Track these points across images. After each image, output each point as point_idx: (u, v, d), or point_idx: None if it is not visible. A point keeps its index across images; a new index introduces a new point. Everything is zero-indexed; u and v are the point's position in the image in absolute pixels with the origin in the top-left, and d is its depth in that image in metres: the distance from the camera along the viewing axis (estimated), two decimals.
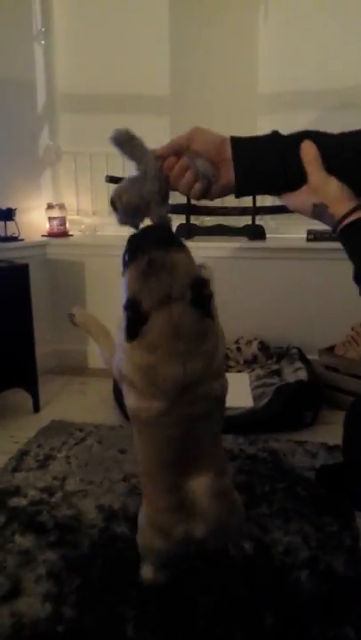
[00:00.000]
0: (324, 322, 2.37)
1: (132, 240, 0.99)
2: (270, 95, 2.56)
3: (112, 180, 2.58)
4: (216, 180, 0.90)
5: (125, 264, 0.99)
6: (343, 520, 1.42)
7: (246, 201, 2.41)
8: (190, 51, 2.62)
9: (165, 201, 0.95)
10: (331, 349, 2.22)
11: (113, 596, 1.20)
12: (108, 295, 2.61)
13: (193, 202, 2.13)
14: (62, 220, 2.70)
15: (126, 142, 0.92)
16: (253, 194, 0.93)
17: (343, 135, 0.93)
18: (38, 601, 1.19)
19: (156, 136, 2.88)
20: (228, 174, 0.90)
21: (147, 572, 1.19)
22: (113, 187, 2.91)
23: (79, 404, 2.25)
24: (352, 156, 0.90)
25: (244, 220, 2.50)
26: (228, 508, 1.08)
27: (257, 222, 2.51)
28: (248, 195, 0.95)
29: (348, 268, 2.64)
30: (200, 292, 0.93)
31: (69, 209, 2.77)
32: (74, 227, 2.76)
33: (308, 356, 2.27)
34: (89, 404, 2.23)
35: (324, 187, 0.87)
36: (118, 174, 2.65)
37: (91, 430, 1.97)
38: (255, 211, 2.46)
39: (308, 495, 1.53)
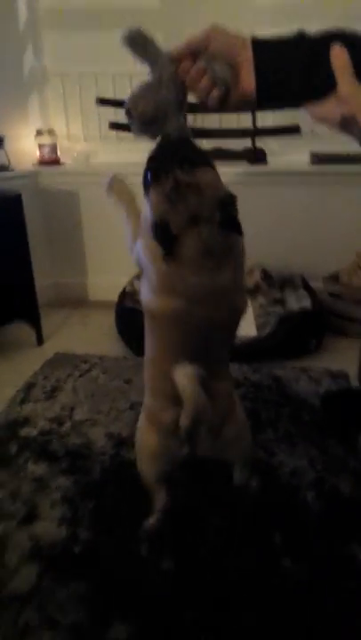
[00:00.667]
0: (328, 248, 2.33)
1: (153, 158, 0.94)
2: (268, 6, 2.37)
3: (103, 102, 2.44)
4: (235, 85, 0.83)
5: (147, 185, 0.94)
6: (348, 443, 1.45)
7: (245, 122, 2.29)
8: None
9: (183, 108, 0.88)
10: (335, 276, 2.19)
11: (126, 518, 1.24)
12: (104, 224, 2.55)
13: (195, 120, 2.03)
14: (53, 147, 2.57)
15: (140, 43, 0.86)
16: (275, 105, 0.85)
17: None
18: (54, 524, 1.23)
19: None
20: (249, 80, 0.83)
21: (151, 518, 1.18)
22: (105, 110, 2.77)
23: (82, 336, 2.25)
24: None
25: (244, 143, 2.39)
26: (221, 410, 1.06)
27: (257, 145, 2.40)
28: (269, 107, 0.88)
29: (352, 191, 2.56)
30: (228, 213, 0.90)
31: (60, 135, 2.63)
32: (65, 154, 2.64)
33: (312, 283, 2.24)
34: (92, 337, 2.23)
35: (355, 96, 0.81)
36: (109, 95, 2.50)
37: (95, 362, 1.97)
38: (255, 132, 2.34)
39: (313, 420, 1.56)
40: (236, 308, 1.05)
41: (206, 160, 0.92)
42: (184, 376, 0.94)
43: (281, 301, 2.19)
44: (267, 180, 2.34)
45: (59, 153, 2.60)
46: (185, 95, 0.87)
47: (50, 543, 1.18)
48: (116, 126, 2.46)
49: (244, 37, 0.83)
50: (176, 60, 0.85)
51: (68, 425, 1.60)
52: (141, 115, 0.87)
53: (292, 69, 0.83)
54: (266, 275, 2.33)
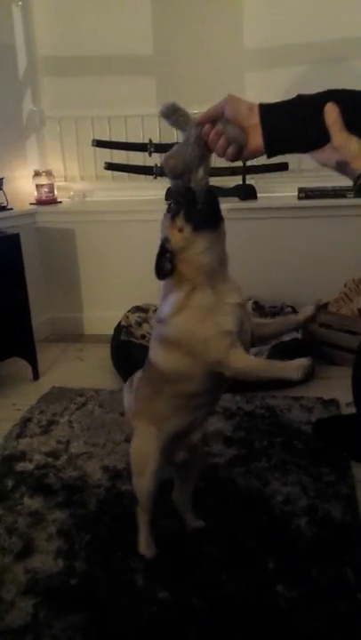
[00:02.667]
0: (317, 280, 2.38)
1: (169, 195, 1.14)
2: (257, 50, 2.50)
3: (99, 144, 2.54)
4: (245, 143, 0.98)
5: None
6: (340, 470, 1.47)
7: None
8: (172, 7, 2.53)
9: (203, 164, 1.04)
10: (324, 306, 2.24)
11: (122, 549, 1.25)
12: (99, 260, 2.62)
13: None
14: (50, 187, 2.66)
15: (172, 114, 1.03)
16: (282, 154, 1.00)
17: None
18: (51, 557, 1.24)
19: (142, 96, 2.82)
20: (257, 139, 0.97)
21: (143, 543, 1.23)
22: (100, 151, 2.87)
23: (78, 370, 2.28)
24: None
25: (235, 181, 2.48)
26: None
27: (248, 182, 2.49)
28: (278, 154, 1.01)
29: (339, 224, 2.63)
30: (161, 251, 1.06)
31: (57, 175, 2.73)
32: (62, 193, 2.73)
33: None
34: (87, 370, 2.26)
35: (345, 146, 0.93)
36: (105, 137, 2.61)
37: (91, 395, 2.00)
38: (245, 170, 2.44)
39: (306, 448, 1.59)
40: None
41: (177, 210, 1.05)
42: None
43: None
44: (257, 214, 2.42)
45: (56, 192, 2.69)
46: (207, 153, 1.04)
47: (46, 576, 1.19)
48: (111, 166, 2.55)
49: (252, 104, 0.98)
50: (200, 124, 1.01)
51: (64, 458, 1.62)
52: (171, 169, 1.04)
53: (293, 128, 0.97)
54: (258, 306, 2.38)
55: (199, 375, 1.06)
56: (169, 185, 2.48)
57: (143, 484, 1.17)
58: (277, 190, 2.60)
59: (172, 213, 1.04)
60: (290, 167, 2.45)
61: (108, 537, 1.30)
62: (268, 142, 0.96)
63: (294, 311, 2.28)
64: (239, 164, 2.38)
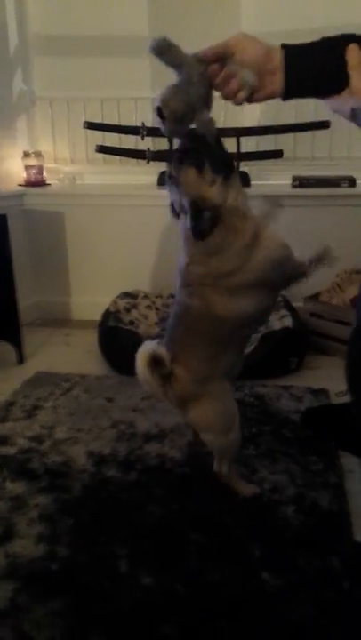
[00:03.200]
0: None
1: (175, 151, 1.08)
2: (255, 33, 2.45)
3: (91, 126, 2.49)
4: (258, 88, 0.93)
5: None
6: (328, 459, 1.46)
7: (230, 147, 2.35)
8: None
9: (209, 105, 0.96)
10: (316, 296, 2.22)
11: (106, 535, 1.22)
12: (88, 245, 2.58)
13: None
14: (40, 169, 2.61)
15: (166, 50, 0.94)
16: (299, 97, 0.98)
17: None
18: (32, 542, 1.21)
19: (135, 78, 2.76)
20: (273, 84, 0.94)
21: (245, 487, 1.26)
22: (92, 133, 2.81)
23: (64, 355, 2.24)
24: None
25: None
26: None
27: (241, 169, 2.46)
28: (294, 98, 0.97)
29: (332, 213, 2.60)
30: (197, 211, 1.00)
31: (47, 157, 2.67)
32: (52, 175, 2.67)
33: (294, 304, 2.27)
34: (74, 356, 2.22)
35: None
36: (97, 120, 2.56)
37: (77, 380, 1.96)
38: (239, 156, 2.40)
39: (294, 437, 1.57)
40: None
41: (196, 160, 0.98)
42: None
43: None
44: (250, 202, 2.39)
45: (45, 174, 2.63)
46: (211, 92, 0.96)
47: (27, 561, 1.16)
48: (103, 149, 2.50)
49: (269, 46, 0.95)
50: (203, 61, 0.94)
51: (48, 443, 1.58)
52: (172, 113, 0.93)
53: (315, 71, 0.94)
54: None
55: (268, 301, 1.13)
56: (162, 170, 2.46)
57: (234, 436, 1.18)
58: (271, 178, 2.57)
59: (197, 167, 0.97)
60: (284, 155, 2.42)
61: (92, 522, 1.27)
62: (291, 86, 0.93)
63: (286, 300, 2.26)
64: (233, 148, 2.35)
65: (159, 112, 0.94)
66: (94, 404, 1.81)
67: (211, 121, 0.96)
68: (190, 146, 0.98)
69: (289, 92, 0.95)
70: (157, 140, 2.46)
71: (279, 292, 1.18)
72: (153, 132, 2.45)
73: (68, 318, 2.62)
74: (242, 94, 0.93)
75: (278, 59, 0.93)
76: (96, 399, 1.84)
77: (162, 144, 2.44)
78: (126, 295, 2.38)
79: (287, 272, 1.14)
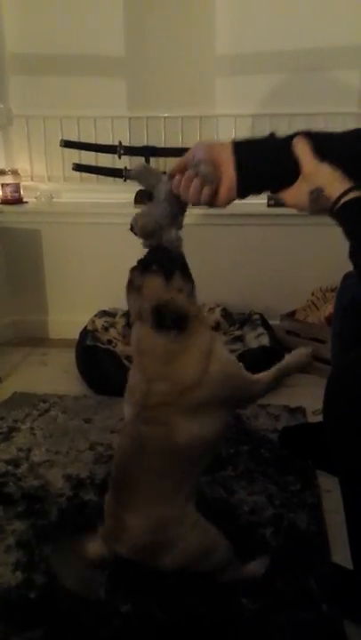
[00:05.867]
0: (285, 287, 2.40)
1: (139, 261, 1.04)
2: (228, 57, 2.51)
3: (67, 144, 2.50)
4: (219, 181, 0.94)
5: None
6: (305, 479, 1.47)
7: None
8: (145, 9, 2.51)
9: (176, 222, 1.00)
10: (292, 314, 2.26)
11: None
12: (66, 263, 2.57)
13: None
14: (16, 187, 2.60)
15: (141, 174, 1.02)
16: (254, 193, 0.98)
17: (333, 134, 1.00)
18: (9, 570, 1.20)
19: (112, 97, 2.78)
20: (231, 174, 0.94)
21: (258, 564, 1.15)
22: (69, 151, 2.81)
23: (41, 375, 2.22)
24: (343, 148, 0.97)
25: None
26: None
27: None
28: (250, 194, 0.98)
29: (308, 233, 2.65)
30: (161, 317, 0.95)
31: (23, 175, 2.67)
32: (28, 193, 2.66)
33: (271, 322, 2.30)
34: (51, 375, 2.20)
35: (317, 171, 0.92)
36: (74, 138, 2.57)
37: (55, 401, 1.95)
38: None
39: (272, 456, 1.58)
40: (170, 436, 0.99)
41: (161, 269, 0.97)
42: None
43: (241, 338, 2.23)
44: (227, 221, 2.42)
45: (22, 192, 2.62)
46: (180, 210, 1.00)
47: (3, 590, 1.15)
48: (80, 167, 2.51)
49: (220, 143, 0.96)
50: (171, 178, 0.98)
51: (24, 467, 1.56)
52: (140, 229, 0.99)
53: (265, 162, 0.95)
54: (226, 313, 2.38)
55: (225, 422, 1.07)
56: (139, 188, 2.48)
57: (219, 557, 1.06)
58: (247, 197, 2.60)
59: (166, 274, 0.96)
60: None
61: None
62: (241, 178, 0.94)
63: (263, 319, 2.29)
64: None
65: (131, 228, 1.00)
66: (72, 425, 1.80)
67: (177, 239, 1.00)
68: (154, 257, 0.99)
69: (241, 187, 0.94)
70: (134, 158, 2.48)
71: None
72: (130, 150, 2.47)
73: (45, 337, 2.60)
74: (206, 190, 0.93)
75: (230, 150, 0.95)
76: (74, 420, 1.82)
77: (139, 163, 2.46)
78: (104, 313, 2.38)
79: (241, 389, 1.07)
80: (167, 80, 2.54)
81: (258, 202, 2.50)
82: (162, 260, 0.98)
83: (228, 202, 0.97)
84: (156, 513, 1.00)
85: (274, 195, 1.02)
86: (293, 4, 2.40)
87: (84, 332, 2.22)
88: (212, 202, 0.96)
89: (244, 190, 0.96)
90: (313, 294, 2.27)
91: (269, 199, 2.43)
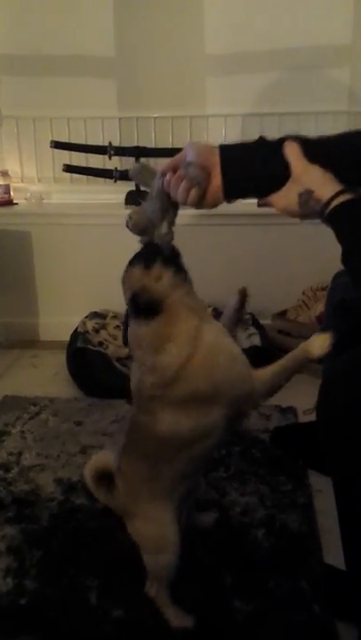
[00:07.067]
0: (276, 287, 2.39)
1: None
2: (218, 56, 2.50)
3: (58, 145, 2.48)
4: (207, 183, 0.93)
5: None
6: (297, 479, 1.47)
7: None
8: (134, 9, 2.50)
9: (167, 218, 1.00)
10: (283, 314, 2.25)
11: (75, 566, 1.21)
12: (56, 264, 2.55)
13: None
14: (6, 188, 2.58)
15: (139, 173, 1.04)
16: (241, 197, 0.98)
17: (321, 138, 0.98)
18: None
19: (102, 98, 2.77)
20: (218, 177, 0.94)
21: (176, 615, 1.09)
22: (59, 152, 2.79)
23: (32, 378, 2.20)
24: (334, 152, 0.95)
25: None
26: None
27: None
28: (236, 198, 0.97)
29: (298, 233, 2.65)
30: (136, 305, 0.96)
31: (13, 176, 2.65)
32: (18, 195, 2.64)
33: (262, 321, 2.30)
34: (42, 378, 2.19)
35: (307, 172, 0.91)
36: (64, 139, 2.55)
37: (45, 404, 1.93)
38: None
39: (264, 456, 1.58)
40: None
41: (145, 259, 0.99)
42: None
43: (233, 338, 2.22)
44: (216, 221, 2.41)
45: (12, 194, 2.61)
46: (172, 206, 1.00)
47: None
48: (70, 169, 2.50)
49: (212, 146, 0.96)
50: (163, 175, 0.97)
51: (15, 471, 1.55)
52: (134, 225, 1.00)
53: (252, 166, 0.94)
54: (217, 313, 2.36)
55: (221, 423, 0.97)
56: (129, 189, 2.47)
57: (165, 560, 1.04)
58: None
59: (146, 263, 0.97)
60: None
61: (61, 553, 1.25)
62: (228, 181, 0.93)
63: (253, 318, 2.29)
64: None
65: (126, 224, 1.02)
66: (63, 428, 1.78)
67: (168, 233, 1.01)
68: (141, 251, 1.01)
69: (228, 191, 0.94)
70: (125, 159, 2.47)
71: (235, 412, 1.01)
72: (120, 151, 2.46)
73: (36, 339, 2.58)
74: (193, 192, 0.93)
75: (218, 154, 0.95)
76: (65, 423, 1.81)
77: (129, 163, 2.45)
78: (95, 315, 2.37)
79: (234, 385, 0.98)
80: (157, 80, 2.53)
81: (249, 201, 2.50)
82: (146, 253, 0.99)
83: (215, 205, 0.97)
84: (136, 487, 1.04)
85: (261, 200, 0.99)
86: (283, 3, 2.39)
87: (75, 334, 2.20)
88: (199, 204, 0.96)
89: (229, 195, 0.95)
90: (304, 293, 2.27)
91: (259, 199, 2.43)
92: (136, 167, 1.08)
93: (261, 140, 0.97)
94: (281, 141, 0.95)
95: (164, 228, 1.00)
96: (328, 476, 1.35)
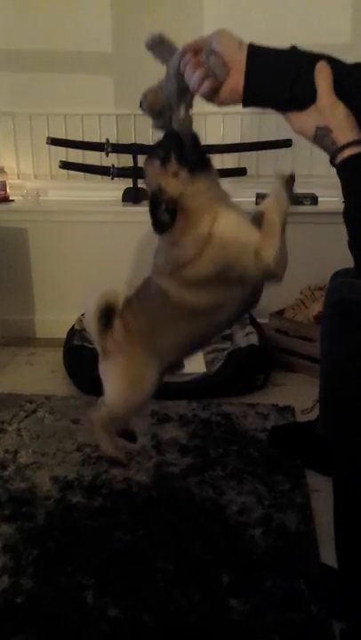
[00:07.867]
0: (274, 286, 2.39)
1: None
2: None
3: (54, 142, 2.47)
4: (224, 78, 0.89)
5: None
6: (294, 478, 1.47)
7: None
8: (132, 4, 2.49)
9: (185, 101, 0.95)
10: (280, 313, 2.25)
11: (71, 564, 1.20)
12: (53, 261, 2.54)
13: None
14: (2, 185, 2.56)
15: (157, 45, 0.95)
16: (258, 106, 0.93)
17: (354, 72, 0.91)
18: None
19: (99, 95, 2.76)
20: (238, 78, 0.88)
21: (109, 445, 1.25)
22: (55, 149, 2.79)
23: (28, 375, 2.19)
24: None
25: None
26: None
27: None
28: (254, 105, 0.92)
29: (295, 231, 2.65)
30: (155, 204, 1.00)
31: (10, 173, 2.63)
32: (15, 191, 2.63)
33: (259, 320, 2.29)
34: (38, 376, 2.18)
35: (331, 108, 0.86)
36: (60, 135, 2.54)
37: (42, 402, 1.93)
38: None
39: (261, 456, 1.57)
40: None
41: (157, 154, 1.00)
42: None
43: (229, 337, 2.22)
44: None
45: (8, 190, 2.59)
46: (189, 89, 0.93)
47: None
48: (67, 165, 2.48)
49: (242, 40, 0.90)
50: (183, 54, 0.91)
51: (11, 469, 1.54)
52: (150, 106, 0.95)
53: (279, 76, 0.89)
54: None
55: (234, 299, 1.08)
56: (126, 186, 2.46)
57: (133, 400, 1.16)
58: (235, 195, 2.58)
59: (161, 159, 0.97)
60: (248, 172, 2.45)
61: (57, 552, 1.24)
62: (250, 86, 0.88)
63: (251, 317, 2.28)
64: None
65: (140, 104, 0.96)
66: (59, 426, 1.78)
67: (186, 118, 0.95)
68: (161, 141, 0.99)
69: (247, 96, 0.89)
70: (122, 156, 2.46)
71: (249, 287, 1.11)
72: (117, 148, 2.45)
73: (32, 337, 2.57)
74: (207, 82, 0.88)
75: (245, 54, 0.89)
76: (61, 421, 1.80)
77: (126, 160, 2.44)
78: None
79: (245, 267, 1.06)
80: (155, 77, 2.50)
81: (246, 200, 2.50)
82: (166, 144, 0.98)
83: (225, 104, 0.93)
84: (133, 334, 1.14)
85: (278, 111, 0.93)
86: (283, 3, 2.38)
87: (72, 332, 2.20)
88: (210, 97, 0.91)
89: (247, 101, 0.91)
90: (302, 293, 2.26)
91: (258, 197, 2.42)
92: (154, 37, 0.95)
93: (294, 50, 0.92)
94: (314, 59, 0.89)
95: (182, 112, 0.95)
96: (326, 476, 1.36)
